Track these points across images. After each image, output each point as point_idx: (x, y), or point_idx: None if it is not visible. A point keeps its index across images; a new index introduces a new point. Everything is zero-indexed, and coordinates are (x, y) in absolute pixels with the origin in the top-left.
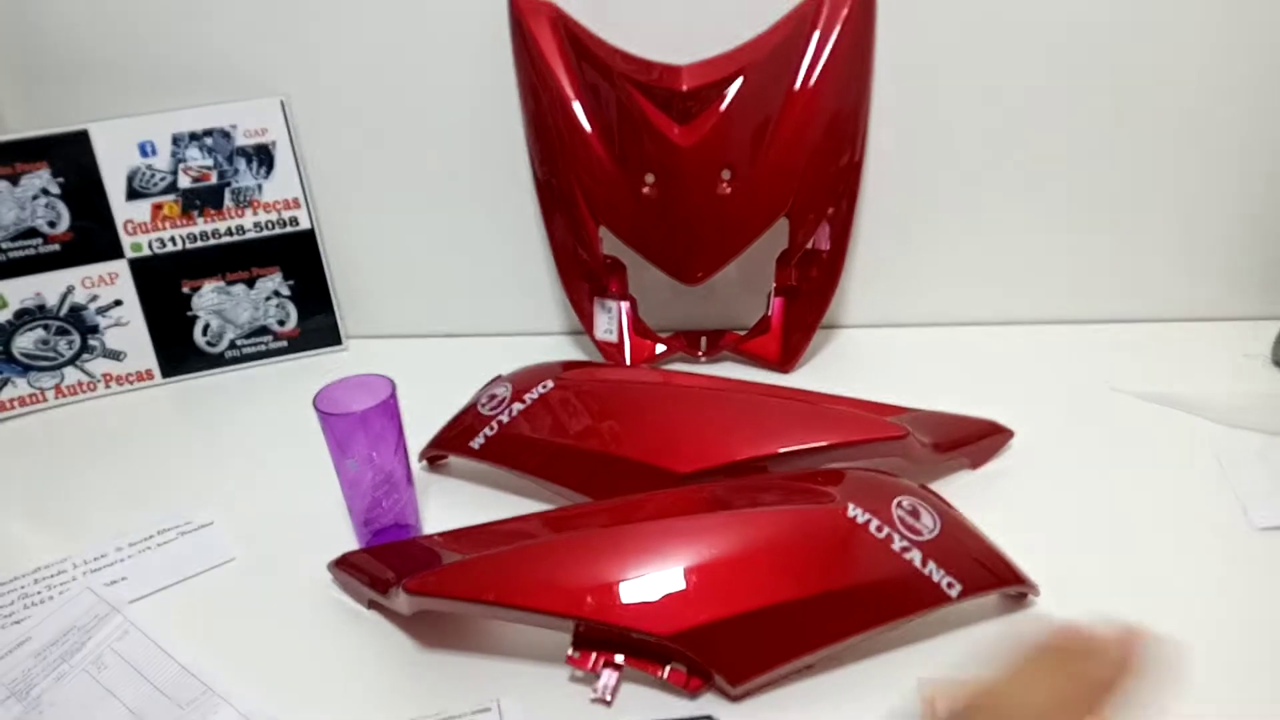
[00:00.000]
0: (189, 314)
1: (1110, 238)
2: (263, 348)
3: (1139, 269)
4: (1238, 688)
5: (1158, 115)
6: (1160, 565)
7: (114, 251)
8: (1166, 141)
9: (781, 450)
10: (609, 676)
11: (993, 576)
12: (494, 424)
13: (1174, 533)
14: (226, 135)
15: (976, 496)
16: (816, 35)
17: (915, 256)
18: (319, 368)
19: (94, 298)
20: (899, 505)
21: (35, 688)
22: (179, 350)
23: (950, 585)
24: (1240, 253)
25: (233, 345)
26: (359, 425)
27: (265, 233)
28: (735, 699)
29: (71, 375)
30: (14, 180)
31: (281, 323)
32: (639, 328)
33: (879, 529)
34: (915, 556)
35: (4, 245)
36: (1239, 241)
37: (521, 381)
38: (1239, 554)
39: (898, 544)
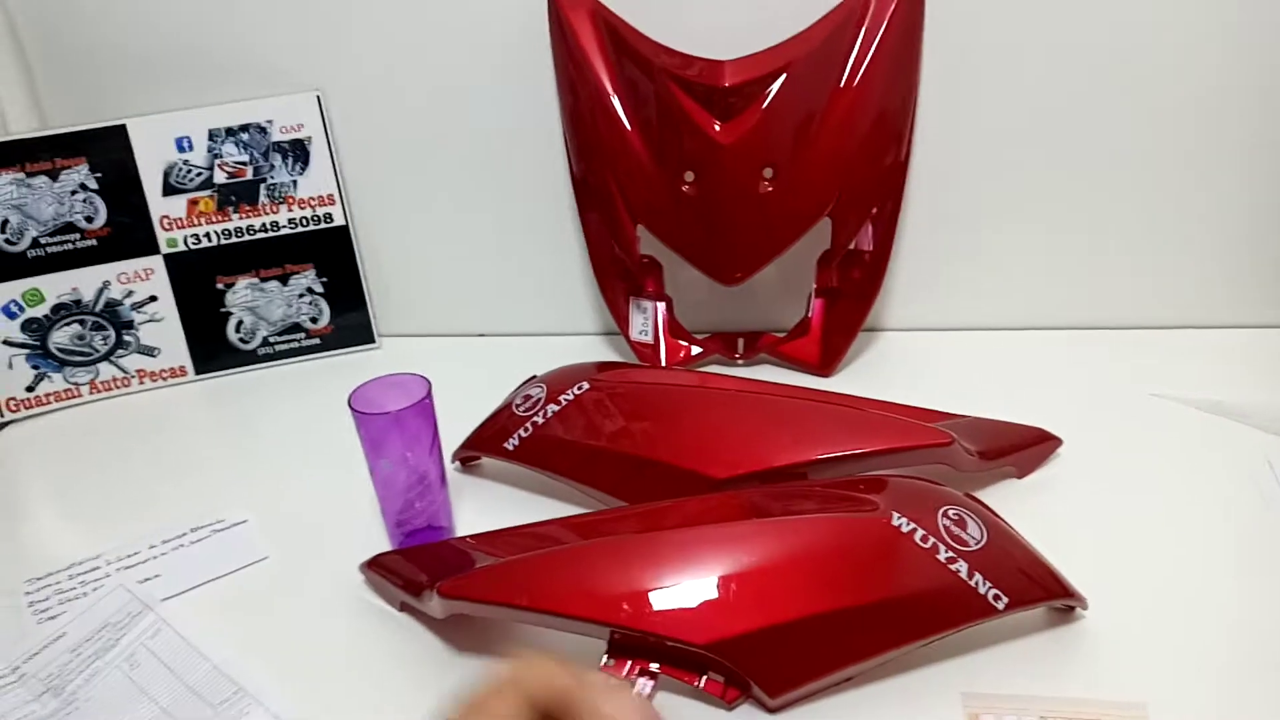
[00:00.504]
0: (222, 310)
1: (1158, 241)
2: (295, 345)
3: (1189, 274)
4: None
5: (1207, 121)
6: (1213, 578)
7: (150, 247)
8: (1213, 146)
9: (822, 456)
10: (644, 685)
11: (1040, 589)
12: (528, 425)
13: (1226, 546)
14: (263, 130)
15: (1023, 506)
16: (863, 32)
17: (960, 259)
18: (352, 366)
19: (129, 293)
20: (945, 514)
21: (70, 684)
22: (212, 347)
23: (997, 598)
24: None
25: (265, 342)
26: (394, 425)
27: (300, 229)
28: (773, 710)
29: (106, 371)
30: (53, 175)
31: (314, 320)
32: (675, 329)
33: (924, 539)
34: (961, 568)
35: (42, 240)
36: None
37: (556, 382)
38: None
39: (943, 554)
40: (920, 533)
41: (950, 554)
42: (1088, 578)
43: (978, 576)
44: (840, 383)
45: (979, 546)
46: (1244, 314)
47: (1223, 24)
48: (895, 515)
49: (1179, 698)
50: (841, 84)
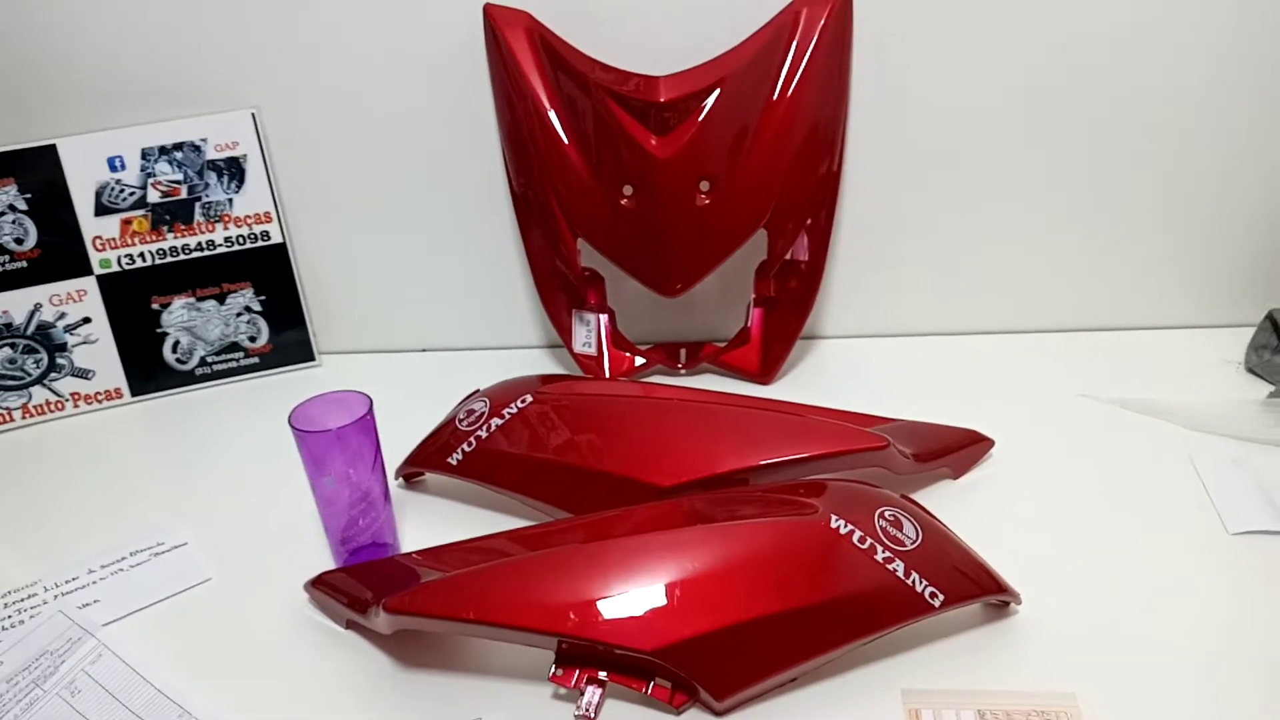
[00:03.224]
0: (159, 331)
1: (1086, 247)
2: (234, 364)
3: (1114, 278)
4: (1215, 692)
5: (1131, 126)
6: (1140, 572)
7: (82, 268)
8: (1140, 152)
9: (763, 462)
10: (592, 693)
11: (975, 586)
12: (472, 439)
13: (1153, 539)
14: (197, 149)
15: (958, 506)
16: (794, 46)
17: (894, 267)
18: (292, 384)
19: (62, 315)
20: (881, 516)
21: (7, 714)
22: (148, 368)
23: (933, 595)
24: (1213, 260)
25: (203, 362)
26: (335, 443)
27: (236, 247)
28: (720, 713)
29: (39, 394)
30: None
31: (253, 339)
32: (618, 340)
33: (862, 540)
34: (898, 567)
35: None
36: (1212, 249)
37: (499, 396)
38: (1216, 559)
39: (880, 555)
40: (858, 534)
41: (887, 554)
42: (1020, 574)
43: (914, 575)
44: (780, 390)
45: (915, 546)
46: (1171, 315)
47: (1174, 29)
48: (834, 518)
49: (1107, 687)
50: (774, 97)
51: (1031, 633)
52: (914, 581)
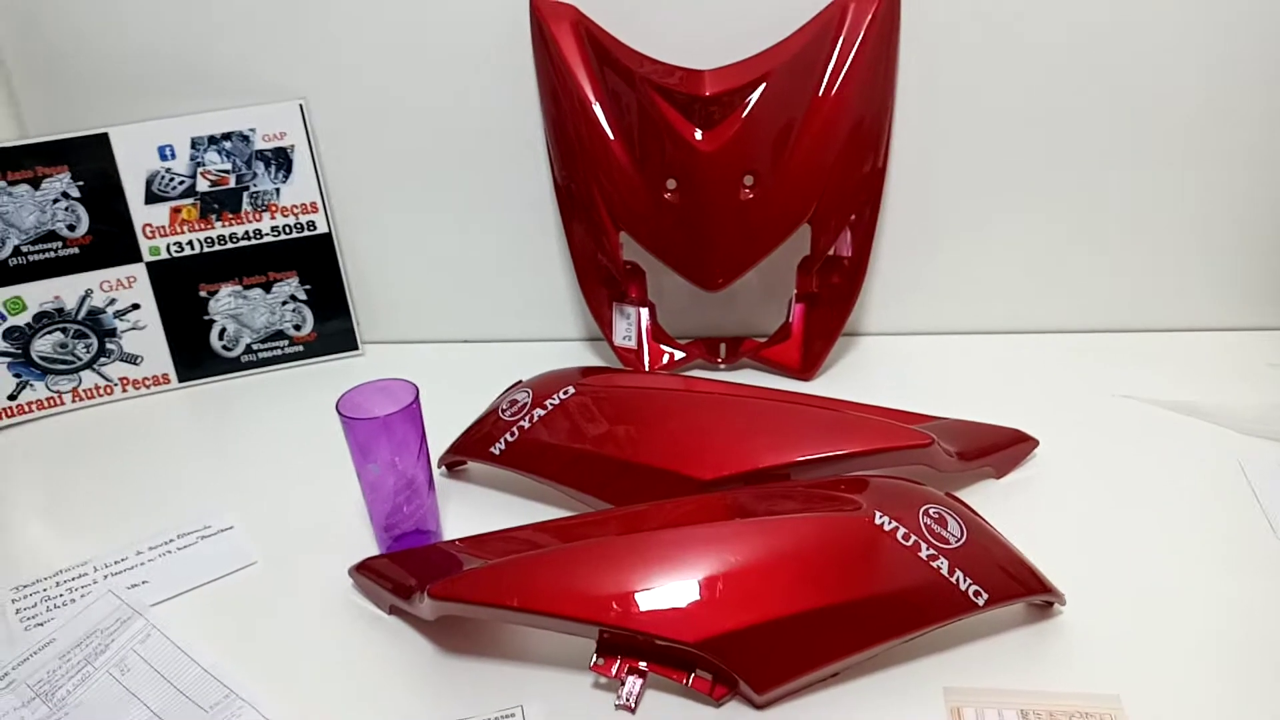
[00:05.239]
0: (205, 318)
1: (1130, 247)
2: (279, 352)
3: (1159, 278)
4: (1261, 698)
5: (1176, 125)
6: (1186, 575)
7: (132, 255)
8: (1185, 152)
9: (804, 458)
10: (633, 683)
11: (1019, 585)
12: (514, 430)
13: (1199, 542)
14: (245, 139)
15: (1002, 505)
16: (840, 41)
17: (937, 264)
18: (335, 373)
19: (112, 301)
20: (926, 513)
21: (59, 689)
22: (195, 354)
23: (977, 594)
24: (1260, 262)
25: (249, 349)
26: (382, 430)
27: (282, 237)
28: (760, 707)
29: (89, 379)
30: (35, 184)
31: (298, 327)
32: (658, 334)
33: (906, 537)
34: (942, 565)
35: (24, 248)
36: (1259, 251)
37: (542, 387)
38: (1265, 564)
39: (925, 552)
40: (902, 531)
41: (931, 551)
42: (1065, 574)
43: (958, 573)
44: (821, 386)
45: (959, 544)
46: (1218, 317)
47: (1207, 28)
48: (878, 514)
49: (1152, 690)
50: (820, 93)
51: (1075, 634)
52: (958, 580)
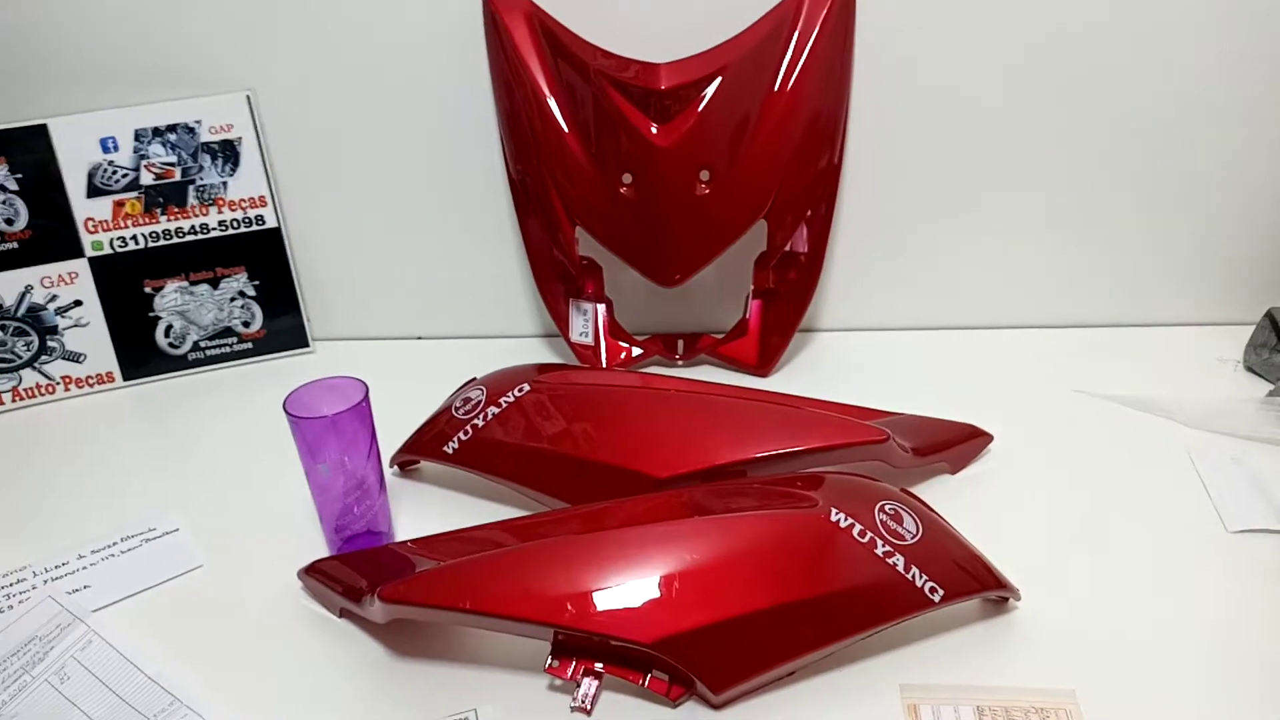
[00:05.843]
0: (151, 315)
1: (1085, 243)
2: (227, 350)
3: (1114, 274)
4: (1214, 689)
5: (1131, 122)
6: (1139, 568)
7: (74, 250)
8: (1140, 148)
9: (761, 454)
10: (589, 685)
11: (974, 581)
12: (468, 428)
13: (1152, 536)
14: (191, 131)
15: (957, 500)
16: (796, 35)
17: (893, 260)
18: (285, 371)
19: (53, 297)
20: (881, 509)
21: None
22: (140, 352)
23: (933, 590)
24: (1212, 258)
25: (196, 347)
26: (330, 429)
27: (230, 231)
28: (717, 706)
29: (29, 378)
30: None
31: (246, 324)
32: (615, 330)
33: (861, 533)
34: (898, 561)
35: None
36: (1212, 247)
37: (496, 385)
38: (1216, 557)
39: (880, 548)
40: (858, 527)
41: (887, 548)
42: (1019, 569)
43: (914, 570)
44: (778, 382)
45: (915, 540)
46: (1172, 313)
47: (1162, 26)
48: (833, 511)
49: (1106, 684)
50: (775, 87)
51: (1031, 628)
52: (914, 576)
